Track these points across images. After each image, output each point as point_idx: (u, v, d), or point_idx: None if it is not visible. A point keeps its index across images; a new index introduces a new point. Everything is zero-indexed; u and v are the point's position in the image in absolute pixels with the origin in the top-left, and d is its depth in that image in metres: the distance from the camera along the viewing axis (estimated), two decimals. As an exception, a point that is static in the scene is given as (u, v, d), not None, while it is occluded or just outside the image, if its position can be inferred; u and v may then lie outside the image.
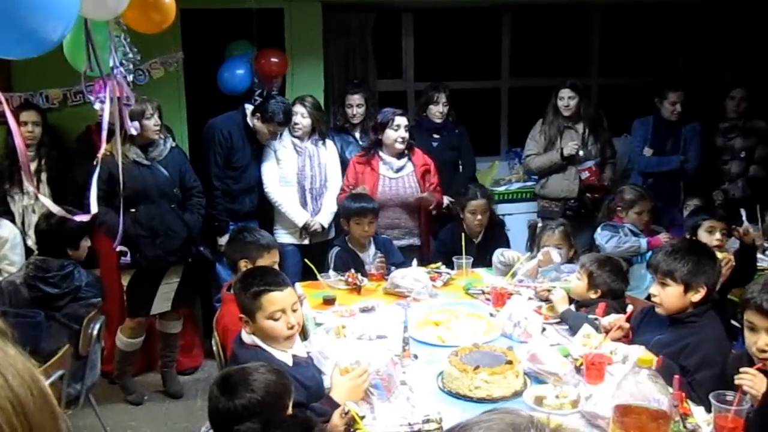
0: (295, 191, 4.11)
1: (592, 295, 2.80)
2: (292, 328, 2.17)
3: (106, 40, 2.12)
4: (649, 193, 3.94)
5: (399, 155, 3.99)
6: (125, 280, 3.71)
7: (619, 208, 3.85)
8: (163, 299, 3.77)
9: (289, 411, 1.77)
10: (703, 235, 3.39)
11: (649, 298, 2.53)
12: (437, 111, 4.46)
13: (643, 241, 3.70)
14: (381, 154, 3.98)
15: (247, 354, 2.12)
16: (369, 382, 2.06)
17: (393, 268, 3.42)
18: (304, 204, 4.10)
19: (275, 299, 2.14)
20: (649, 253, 3.70)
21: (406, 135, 3.94)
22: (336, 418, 1.89)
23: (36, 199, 3.72)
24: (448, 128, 4.52)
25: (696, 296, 2.28)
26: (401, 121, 3.92)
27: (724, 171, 4.66)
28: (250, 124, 4.06)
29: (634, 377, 1.77)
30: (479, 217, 3.78)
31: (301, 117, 4.07)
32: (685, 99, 4.55)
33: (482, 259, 3.58)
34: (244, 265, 2.84)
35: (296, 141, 4.09)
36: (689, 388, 2.06)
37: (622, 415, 1.73)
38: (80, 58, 2.10)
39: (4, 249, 3.68)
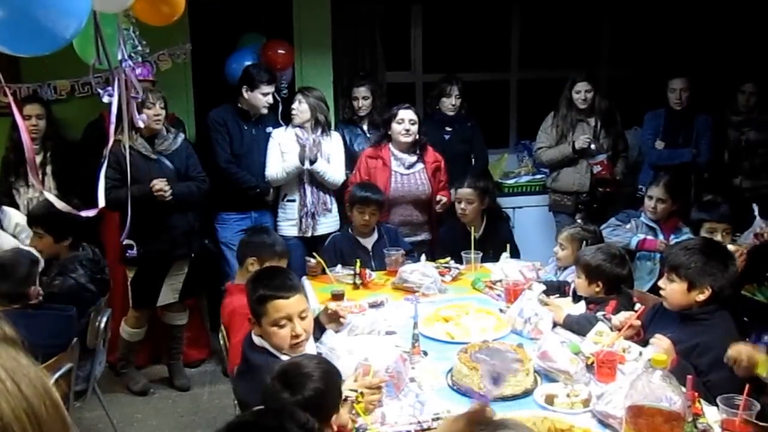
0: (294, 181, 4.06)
1: (596, 289, 2.72)
2: (297, 337, 2.07)
3: (115, 33, 2.10)
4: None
5: (410, 151, 3.96)
6: (131, 273, 3.72)
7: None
8: (170, 291, 3.78)
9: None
10: (704, 236, 3.30)
11: (657, 291, 2.51)
12: (450, 103, 4.43)
13: (634, 240, 3.63)
14: (392, 149, 3.94)
15: (258, 357, 2.09)
16: (379, 399, 1.99)
17: (409, 261, 3.40)
18: (303, 195, 4.03)
19: (280, 306, 2.06)
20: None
21: (412, 128, 3.89)
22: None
23: (41, 194, 3.70)
24: (461, 121, 4.49)
25: (700, 296, 2.26)
26: (404, 114, 3.89)
27: (736, 164, 4.60)
28: (243, 107, 4.02)
29: (647, 377, 1.74)
30: (462, 205, 3.71)
31: (298, 103, 4.02)
32: (694, 88, 4.46)
33: (484, 254, 3.52)
34: (252, 262, 2.89)
35: (299, 132, 4.05)
36: (703, 388, 2.04)
37: (635, 416, 1.71)
38: (89, 50, 2.08)
39: (21, 236, 3.67)
